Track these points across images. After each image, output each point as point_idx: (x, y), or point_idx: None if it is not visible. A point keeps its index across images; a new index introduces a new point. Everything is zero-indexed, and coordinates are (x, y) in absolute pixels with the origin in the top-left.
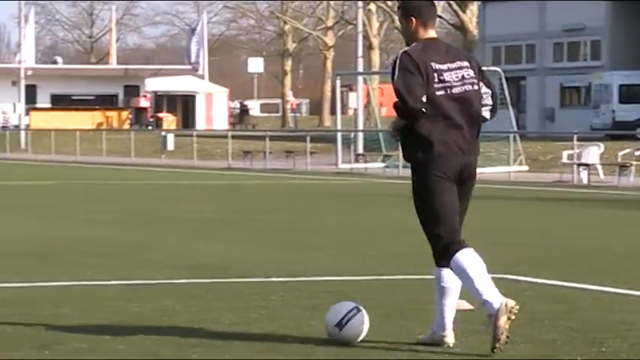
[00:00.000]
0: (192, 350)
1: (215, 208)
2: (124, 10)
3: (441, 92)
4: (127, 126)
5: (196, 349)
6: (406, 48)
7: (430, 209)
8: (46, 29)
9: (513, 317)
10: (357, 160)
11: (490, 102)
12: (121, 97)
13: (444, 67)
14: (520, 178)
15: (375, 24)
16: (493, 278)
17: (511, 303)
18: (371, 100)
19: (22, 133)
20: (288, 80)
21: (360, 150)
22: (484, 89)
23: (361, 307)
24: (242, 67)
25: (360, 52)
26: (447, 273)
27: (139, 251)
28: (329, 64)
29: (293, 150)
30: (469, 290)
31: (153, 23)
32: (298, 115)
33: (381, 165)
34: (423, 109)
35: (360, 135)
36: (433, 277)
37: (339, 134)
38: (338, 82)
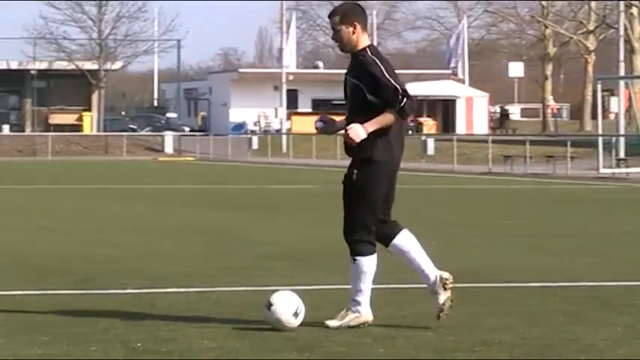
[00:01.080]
0: (451, 354)
1: (475, 213)
2: (385, 15)
3: None
4: None
5: (455, 354)
6: (371, 51)
7: (370, 202)
8: (307, 34)
9: (449, 287)
10: (618, 165)
11: None
12: None
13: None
14: None
15: (638, 28)
16: None
17: (445, 275)
18: (632, 104)
19: (284, 137)
20: (548, 84)
21: (622, 155)
22: None
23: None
24: (502, 71)
25: (621, 57)
26: (369, 260)
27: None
28: (590, 69)
29: (553, 154)
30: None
31: (413, 28)
32: (559, 119)
33: None
34: None
35: (622, 139)
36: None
37: (600, 139)
38: (599, 87)
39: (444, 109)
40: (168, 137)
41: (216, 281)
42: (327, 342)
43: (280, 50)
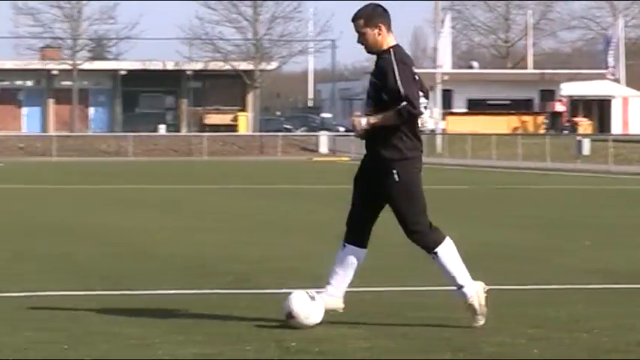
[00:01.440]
0: (607, 355)
1: (632, 214)
2: (540, 14)
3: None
4: (542, 130)
5: (611, 355)
6: (394, 53)
7: (418, 203)
8: (462, 34)
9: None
10: None
11: (426, 101)
12: (536, 101)
13: (415, 69)
14: None
15: None
16: None
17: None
18: None
19: (439, 138)
20: None
21: None
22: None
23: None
24: None
25: None
26: (446, 245)
27: (553, 256)
28: None
29: None
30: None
31: (568, 28)
32: None
33: None
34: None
35: None
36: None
37: None
38: None
39: (599, 109)
40: (323, 137)
41: (370, 281)
42: (482, 343)
43: (435, 50)
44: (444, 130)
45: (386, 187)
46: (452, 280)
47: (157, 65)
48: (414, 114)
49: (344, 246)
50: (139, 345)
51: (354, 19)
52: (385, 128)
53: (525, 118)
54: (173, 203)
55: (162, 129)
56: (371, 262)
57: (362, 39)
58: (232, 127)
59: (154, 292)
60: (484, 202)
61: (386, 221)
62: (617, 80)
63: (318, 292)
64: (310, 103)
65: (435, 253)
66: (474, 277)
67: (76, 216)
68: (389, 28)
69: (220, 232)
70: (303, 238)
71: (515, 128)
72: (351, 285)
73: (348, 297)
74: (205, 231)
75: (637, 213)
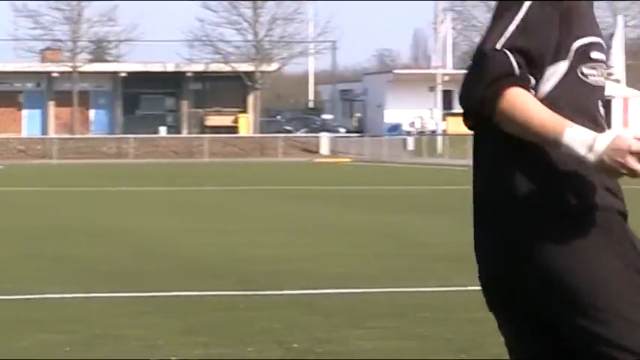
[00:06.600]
0: None
1: None
2: None
3: None
4: None
5: None
6: None
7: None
8: (462, 35)
9: None
10: None
11: None
12: None
13: None
14: None
15: None
16: None
17: None
18: None
19: (439, 139)
20: None
21: None
22: None
23: None
24: None
25: None
26: None
27: None
28: None
29: None
30: None
31: None
32: None
33: None
34: None
35: None
36: None
37: None
38: None
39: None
40: (324, 138)
41: (373, 282)
42: (485, 344)
43: (435, 51)
44: (444, 131)
45: None
46: None
47: (157, 67)
48: None
49: None
50: (142, 346)
51: None
52: None
53: None
54: (177, 205)
55: (162, 131)
56: (375, 263)
57: None
58: (233, 129)
59: (158, 293)
60: None
61: (392, 221)
62: (617, 80)
63: None
64: (311, 105)
65: None
66: (473, 277)
67: (79, 218)
68: None
69: (225, 234)
70: (308, 239)
71: None
72: (352, 286)
73: (351, 298)
74: (214, 232)
75: None
